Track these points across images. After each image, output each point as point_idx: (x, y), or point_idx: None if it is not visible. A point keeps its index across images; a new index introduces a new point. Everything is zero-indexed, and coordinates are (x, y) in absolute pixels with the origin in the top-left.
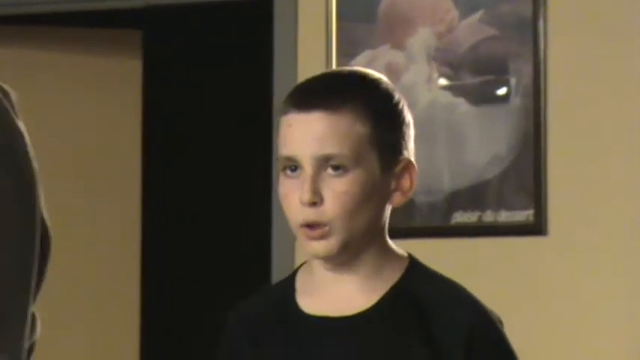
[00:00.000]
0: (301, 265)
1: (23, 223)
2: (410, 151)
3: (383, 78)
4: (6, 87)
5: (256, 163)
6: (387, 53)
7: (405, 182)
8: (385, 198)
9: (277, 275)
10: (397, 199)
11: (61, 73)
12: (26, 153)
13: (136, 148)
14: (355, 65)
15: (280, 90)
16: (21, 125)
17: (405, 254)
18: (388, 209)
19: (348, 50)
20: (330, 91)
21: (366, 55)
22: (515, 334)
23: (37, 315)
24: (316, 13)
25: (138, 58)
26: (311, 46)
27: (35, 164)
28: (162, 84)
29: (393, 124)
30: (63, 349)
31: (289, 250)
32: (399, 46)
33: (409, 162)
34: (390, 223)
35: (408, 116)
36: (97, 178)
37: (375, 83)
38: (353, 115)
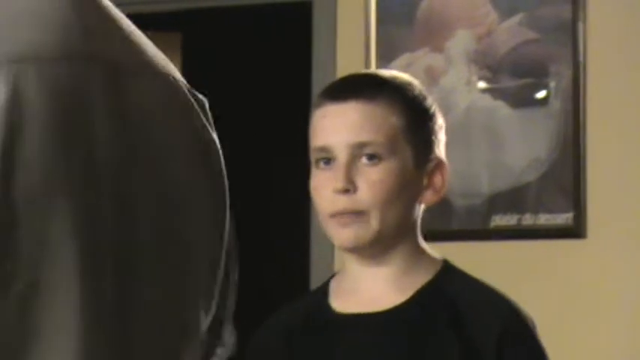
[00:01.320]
0: (335, 274)
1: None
2: (441, 152)
3: (414, 80)
4: (200, 96)
5: (296, 166)
6: (426, 56)
7: (437, 181)
8: (417, 194)
9: (315, 279)
10: (429, 197)
11: None
12: (221, 169)
13: None
14: (394, 68)
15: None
16: (216, 139)
17: (440, 258)
18: (420, 207)
19: (386, 53)
20: (366, 82)
21: (404, 58)
22: (553, 338)
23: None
24: (355, 17)
25: (177, 59)
26: (350, 49)
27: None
28: (202, 86)
29: (427, 122)
30: None
31: (329, 257)
32: (438, 49)
33: (441, 161)
34: (428, 226)
35: (441, 120)
36: None
37: (407, 82)
38: (388, 106)
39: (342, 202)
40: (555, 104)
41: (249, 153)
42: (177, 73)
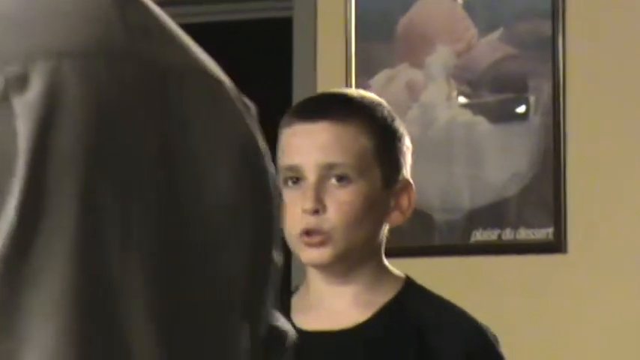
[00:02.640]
0: (298, 287)
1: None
2: (408, 174)
3: (382, 101)
4: (247, 101)
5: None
6: (406, 71)
7: (404, 202)
8: (384, 215)
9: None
10: (395, 217)
11: None
12: (269, 177)
13: None
14: (374, 84)
15: None
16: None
17: (402, 275)
18: (385, 227)
19: (366, 69)
20: (336, 103)
21: (384, 73)
22: (535, 352)
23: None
24: (335, 32)
25: None
26: (330, 65)
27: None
28: None
29: (396, 143)
30: None
31: None
32: (417, 64)
33: (408, 182)
34: (409, 242)
35: (408, 141)
36: None
37: (377, 102)
38: (358, 128)
39: (311, 221)
40: (535, 119)
41: None
42: (226, 78)
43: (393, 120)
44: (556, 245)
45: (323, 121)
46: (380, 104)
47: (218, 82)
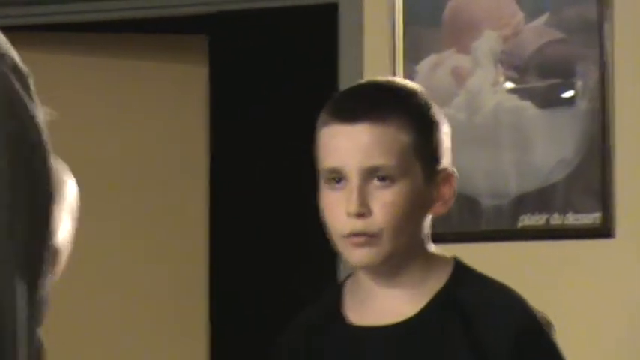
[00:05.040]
0: (348, 277)
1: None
2: (448, 160)
3: (418, 87)
4: (24, 68)
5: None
6: (453, 57)
7: (446, 192)
8: (427, 208)
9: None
10: (438, 208)
11: (130, 77)
12: (39, 144)
13: (203, 153)
14: (420, 69)
15: None
16: (38, 113)
17: (451, 258)
18: (429, 218)
19: (413, 54)
20: (373, 103)
21: (431, 59)
22: (581, 337)
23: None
24: (382, 18)
25: (204, 63)
26: (376, 50)
27: (52, 158)
28: (229, 88)
29: (433, 132)
30: None
31: None
32: (464, 50)
33: (449, 172)
34: (456, 227)
35: (446, 127)
36: (163, 183)
37: (413, 92)
38: (397, 125)
39: (357, 224)
40: (582, 104)
41: (275, 155)
42: None
43: (429, 109)
44: (603, 230)
45: (362, 122)
46: (416, 93)
47: None
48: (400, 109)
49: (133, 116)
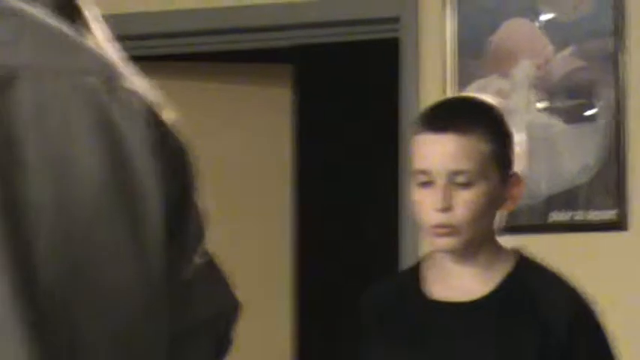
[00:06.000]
0: (423, 258)
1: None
2: (518, 164)
3: (494, 102)
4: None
5: (386, 175)
6: (495, 82)
7: (515, 192)
8: (499, 205)
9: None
10: (508, 206)
11: (220, 104)
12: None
13: (287, 172)
14: (469, 92)
15: (406, 113)
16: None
17: (513, 250)
18: (499, 214)
19: (462, 80)
20: (459, 116)
21: (477, 83)
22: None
23: None
24: (435, 49)
25: (289, 89)
26: (431, 76)
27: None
28: (312, 113)
29: (507, 142)
30: None
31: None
32: (504, 75)
33: (518, 175)
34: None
35: (517, 136)
36: (247, 205)
37: (490, 107)
38: (479, 136)
39: (441, 217)
40: (601, 121)
41: (351, 166)
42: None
43: (504, 122)
44: (619, 224)
45: (449, 132)
46: (493, 109)
47: (79, 78)
48: (481, 122)
49: (220, 140)
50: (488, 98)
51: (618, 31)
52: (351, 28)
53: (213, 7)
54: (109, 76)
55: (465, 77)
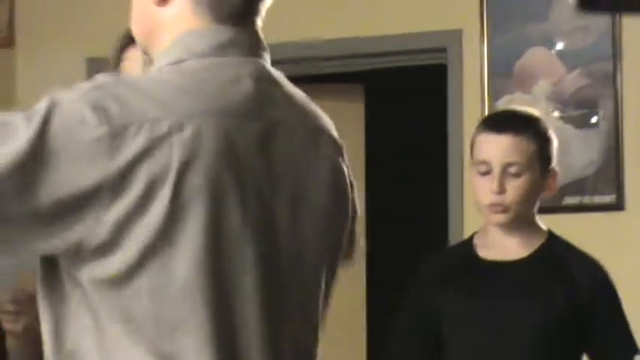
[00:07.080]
0: (474, 234)
1: None
2: (555, 162)
3: (539, 114)
4: (339, 140)
5: (437, 176)
6: (520, 97)
7: (552, 184)
8: (539, 193)
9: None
10: (545, 194)
11: None
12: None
13: (361, 176)
14: (499, 105)
15: (452, 120)
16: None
17: (545, 228)
18: (538, 199)
19: (495, 95)
20: (514, 120)
21: (505, 98)
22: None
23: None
24: (475, 72)
25: (360, 109)
26: (471, 93)
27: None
28: (381, 130)
29: (550, 146)
30: None
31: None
32: (527, 91)
33: (555, 171)
34: None
35: (556, 141)
36: None
37: (537, 117)
38: (528, 138)
39: (496, 198)
40: (603, 126)
41: (419, 188)
42: (325, 127)
43: (547, 129)
44: (618, 205)
45: (506, 133)
46: (539, 119)
47: (318, 132)
48: (530, 127)
49: None
50: (535, 111)
51: (616, 56)
52: (409, 56)
53: (300, 40)
54: (324, 122)
55: (496, 93)
